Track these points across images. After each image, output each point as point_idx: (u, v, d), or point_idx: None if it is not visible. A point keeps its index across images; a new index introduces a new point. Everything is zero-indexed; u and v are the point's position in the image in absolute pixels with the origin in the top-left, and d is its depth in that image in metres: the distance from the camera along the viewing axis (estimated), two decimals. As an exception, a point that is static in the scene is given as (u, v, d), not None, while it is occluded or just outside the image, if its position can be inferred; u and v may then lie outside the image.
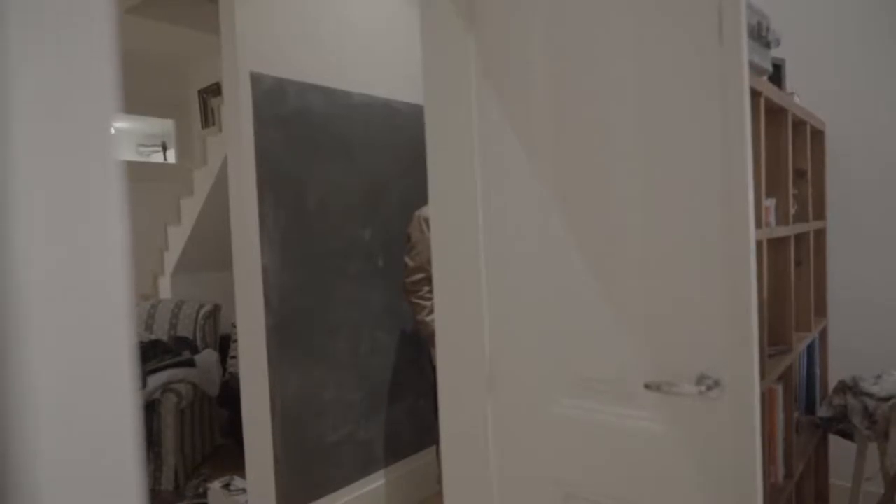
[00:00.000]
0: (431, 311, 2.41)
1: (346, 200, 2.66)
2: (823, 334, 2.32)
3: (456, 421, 1.52)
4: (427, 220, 2.43)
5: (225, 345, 3.94)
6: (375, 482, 2.75)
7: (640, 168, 1.19)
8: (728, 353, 1.09)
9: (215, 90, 4.79)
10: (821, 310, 2.29)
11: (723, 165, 1.08)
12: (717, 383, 1.10)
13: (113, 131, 0.56)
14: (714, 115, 1.08)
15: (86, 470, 0.56)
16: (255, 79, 2.30)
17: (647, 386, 1.16)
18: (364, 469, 2.71)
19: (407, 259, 2.48)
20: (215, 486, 2.72)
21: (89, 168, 0.55)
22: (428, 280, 2.43)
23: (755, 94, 1.48)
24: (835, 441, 2.24)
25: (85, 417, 0.55)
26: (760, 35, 1.57)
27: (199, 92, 4.99)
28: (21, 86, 0.50)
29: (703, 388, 1.10)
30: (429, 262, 2.41)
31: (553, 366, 1.35)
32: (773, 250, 1.74)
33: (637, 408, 1.22)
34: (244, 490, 2.53)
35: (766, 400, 1.63)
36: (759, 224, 1.50)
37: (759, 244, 1.49)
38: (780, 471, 1.74)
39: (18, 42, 0.50)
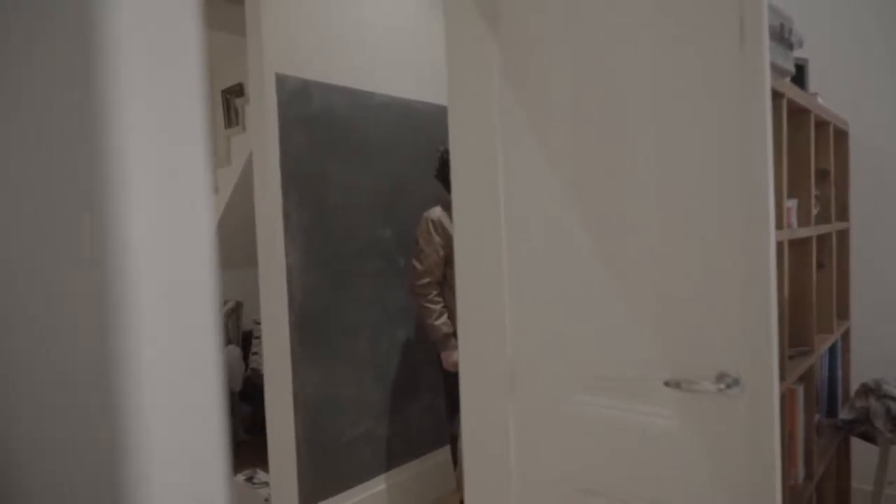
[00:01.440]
0: (440, 315, 2.40)
1: (367, 200, 2.69)
2: (846, 336, 2.30)
3: (478, 420, 1.55)
4: (434, 222, 2.42)
5: (247, 341, 4.00)
6: (393, 479, 2.79)
7: (661, 168, 1.21)
8: (748, 353, 1.10)
9: (238, 90, 4.85)
10: (843, 311, 2.28)
11: (743, 166, 1.09)
12: (736, 382, 1.11)
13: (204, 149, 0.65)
14: (736, 117, 1.10)
15: (185, 458, 0.64)
16: (281, 80, 2.34)
17: (667, 383, 1.18)
18: (383, 466, 2.75)
19: (415, 262, 2.44)
20: (239, 478, 2.78)
21: (189, 183, 0.64)
22: (436, 283, 2.42)
23: (777, 96, 1.48)
24: (857, 444, 2.23)
25: (184, 407, 0.63)
26: (783, 37, 1.57)
27: (223, 92, 5.06)
28: (132, 108, 0.60)
29: (722, 385, 1.11)
30: (436, 265, 2.41)
31: (574, 364, 1.37)
32: (794, 251, 1.74)
33: (656, 405, 1.24)
34: (267, 483, 2.58)
35: (787, 400, 1.63)
36: (780, 225, 1.50)
37: (779, 245, 1.49)
38: (801, 472, 1.73)
39: (129, 75, 0.60)
